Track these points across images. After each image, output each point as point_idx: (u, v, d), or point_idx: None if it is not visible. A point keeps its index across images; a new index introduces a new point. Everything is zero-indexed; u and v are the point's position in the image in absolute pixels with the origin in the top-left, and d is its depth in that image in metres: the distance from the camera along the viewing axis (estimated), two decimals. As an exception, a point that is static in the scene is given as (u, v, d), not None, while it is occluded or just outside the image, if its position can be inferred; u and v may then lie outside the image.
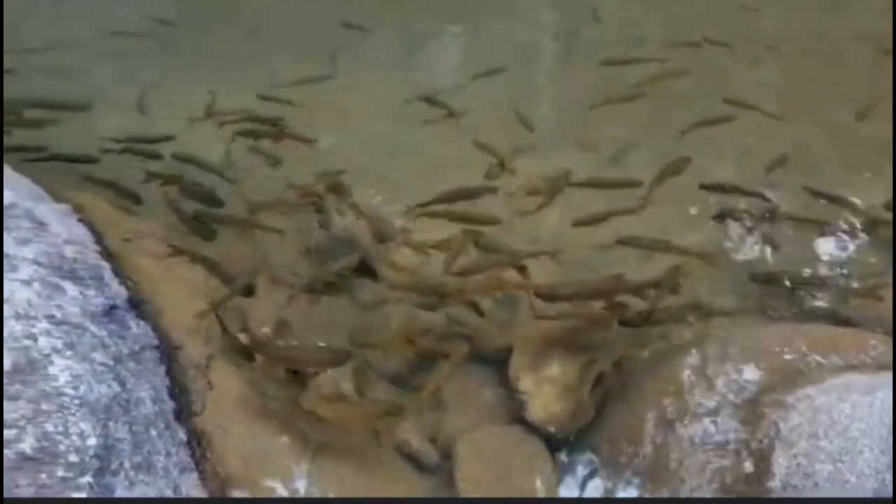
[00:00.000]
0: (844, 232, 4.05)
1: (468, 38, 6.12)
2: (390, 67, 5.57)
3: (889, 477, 2.48)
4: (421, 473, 3.06)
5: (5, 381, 2.25)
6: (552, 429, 3.15)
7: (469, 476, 2.98)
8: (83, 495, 2.15)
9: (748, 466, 2.71)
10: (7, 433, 2.14)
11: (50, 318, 2.54)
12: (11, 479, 2.07)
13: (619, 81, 5.11)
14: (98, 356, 2.56)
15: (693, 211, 4.16)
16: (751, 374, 2.99)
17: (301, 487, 2.75)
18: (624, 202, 4.04)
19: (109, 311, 2.82)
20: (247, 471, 2.68)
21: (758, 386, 2.94)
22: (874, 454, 2.54)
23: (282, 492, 2.73)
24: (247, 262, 3.60)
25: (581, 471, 3.07)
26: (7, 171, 3.36)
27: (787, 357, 3.04)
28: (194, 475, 2.59)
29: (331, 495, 2.77)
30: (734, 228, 4.10)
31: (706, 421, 2.90)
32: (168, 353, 2.89)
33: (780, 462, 2.62)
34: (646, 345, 3.36)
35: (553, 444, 3.13)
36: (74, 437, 2.23)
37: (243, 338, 3.11)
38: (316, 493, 2.76)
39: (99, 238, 3.25)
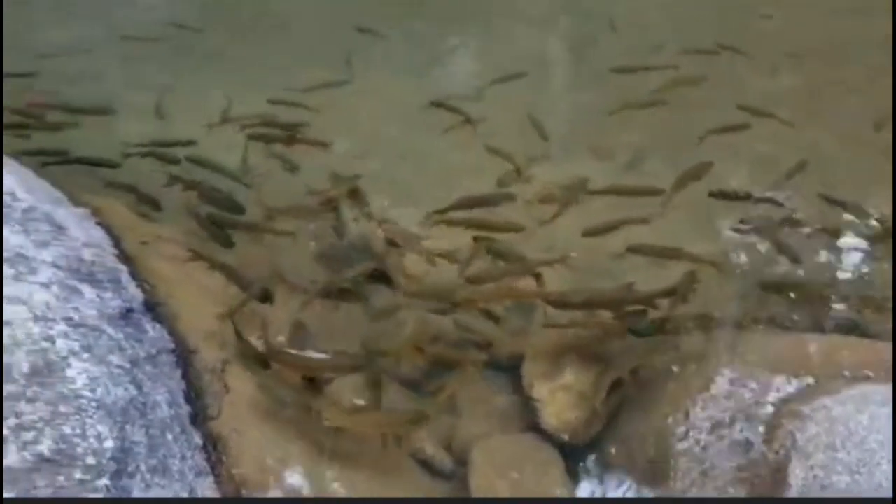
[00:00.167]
0: (859, 241, 4.02)
1: (483, 45, 6.12)
2: (405, 73, 5.57)
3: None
4: (435, 480, 3.06)
5: (23, 383, 2.27)
6: (566, 437, 3.14)
7: (483, 483, 2.97)
8: (100, 497, 2.16)
9: (764, 477, 2.69)
10: (25, 435, 2.15)
11: (68, 320, 2.56)
12: (30, 480, 2.08)
13: (636, 88, 5.10)
14: (115, 359, 2.57)
15: (705, 218, 4.14)
16: (766, 384, 2.98)
17: (316, 492, 2.75)
18: (637, 210, 4.02)
19: (126, 314, 2.83)
20: (262, 475, 2.69)
21: (773, 396, 2.92)
22: (892, 466, 2.52)
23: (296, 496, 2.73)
24: (263, 267, 3.60)
25: (595, 479, 3.06)
26: (27, 174, 3.39)
27: (803, 367, 3.02)
28: (210, 479, 2.59)
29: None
30: (747, 236, 4.07)
31: (721, 431, 2.88)
32: (184, 356, 2.91)
33: (797, 473, 2.60)
34: (659, 353, 3.33)
35: (567, 451, 3.12)
36: (92, 440, 2.24)
37: (259, 345, 3.10)
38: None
39: (117, 241, 3.27)
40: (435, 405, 3.16)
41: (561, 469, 3.07)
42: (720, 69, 5.33)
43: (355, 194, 4.09)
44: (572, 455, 3.12)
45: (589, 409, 3.17)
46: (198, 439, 2.67)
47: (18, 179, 3.16)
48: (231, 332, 3.14)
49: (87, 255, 2.97)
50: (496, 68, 5.41)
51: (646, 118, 4.88)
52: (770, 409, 2.86)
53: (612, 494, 2.98)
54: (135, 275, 3.11)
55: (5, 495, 2.03)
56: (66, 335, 2.49)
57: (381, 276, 3.61)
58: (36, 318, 2.46)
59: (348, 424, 2.92)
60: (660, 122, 4.85)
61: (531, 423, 3.21)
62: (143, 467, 2.33)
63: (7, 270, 2.58)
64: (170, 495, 2.39)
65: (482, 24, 6.27)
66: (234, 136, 4.64)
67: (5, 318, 2.40)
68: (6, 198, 2.96)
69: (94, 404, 2.33)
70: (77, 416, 2.27)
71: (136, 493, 2.27)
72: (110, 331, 2.67)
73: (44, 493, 2.09)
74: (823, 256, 3.99)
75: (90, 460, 2.19)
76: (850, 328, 3.45)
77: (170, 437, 2.54)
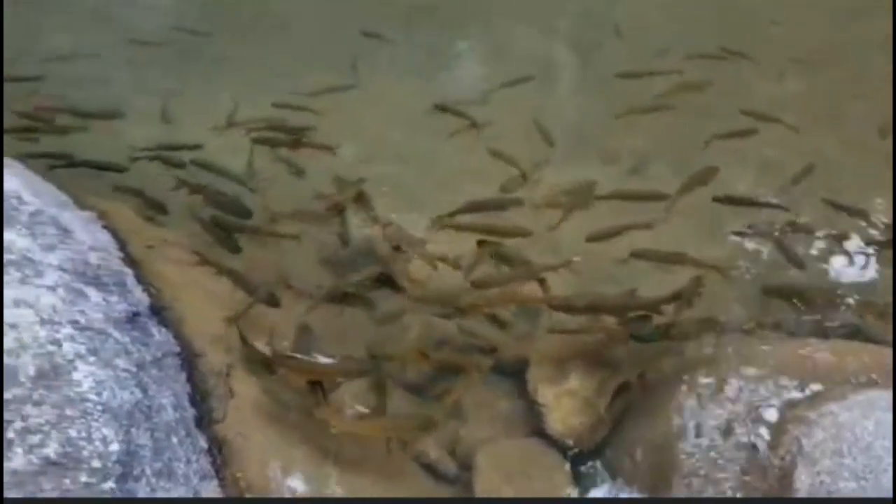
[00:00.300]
0: (863, 246, 4.02)
1: (488, 49, 6.11)
2: (411, 77, 5.56)
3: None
4: (439, 484, 3.05)
5: (30, 386, 2.27)
6: (571, 442, 3.14)
7: (488, 488, 2.97)
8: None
9: (770, 483, 2.68)
10: (31, 438, 2.15)
11: (74, 323, 2.57)
12: (36, 483, 2.09)
13: (641, 93, 5.09)
14: (121, 362, 2.58)
15: (710, 223, 4.13)
16: (771, 389, 2.97)
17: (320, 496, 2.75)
18: (642, 215, 4.02)
19: (132, 317, 2.84)
20: (267, 479, 2.69)
21: (779, 402, 2.92)
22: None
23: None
24: (269, 272, 3.60)
25: (600, 484, 3.05)
26: (34, 177, 3.40)
27: (808, 373, 3.02)
28: (214, 482, 2.60)
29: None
30: (751, 241, 4.07)
31: (726, 436, 2.88)
32: (189, 360, 2.91)
33: (803, 479, 2.59)
34: (664, 359, 3.33)
35: (572, 457, 3.12)
36: (97, 443, 2.24)
37: (265, 349, 3.10)
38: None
39: (122, 245, 3.28)
40: (439, 410, 3.16)
41: (566, 474, 3.07)
42: (726, 74, 5.32)
43: (360, 199, 4.10)
44: (577, 460, 3.12)
45: (594, 415, 3.18)
46: (203, 443, 2.68)
47: (25, 183, 3.17)
48: (236, 337, 3.14)
49: (93, 258, 2.98)
50: (502, 72, 5.41)
51: (651, 123, 4.87)
52: (776, 414, 2.86)
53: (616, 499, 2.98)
54: (140, 278, 3.12)
55: (5, 495, 2.03)
56: (72, 338, 2.49)
57: (386, 281, 3.61)
58: (42, 322, 2.47)
59: (356, 430, 2.92)
60: (665, 127, 4.85)
61: (536, 427, 3.21)
62: (148, 471, 2.33)
63: (14, 273, 2.59)
64: (175, 499, 2.40)
65: (487, 28, 6.27)
66: (241, 140, 4.63)
67: (13, 321, 2.41)
68: (13, 201, 2.97)
69: (99, 407, 2.34)
70: (83, 420, 2.28)
71: (141, 496, 2.27)
72: (116, 334, 2.68)
73: (49, 496, 2.09)
74: (828, 262, 3.98)
75: (96, 463, 2.20)
76: (854, 334, 3.45)
77: (175, 440, 2.55)
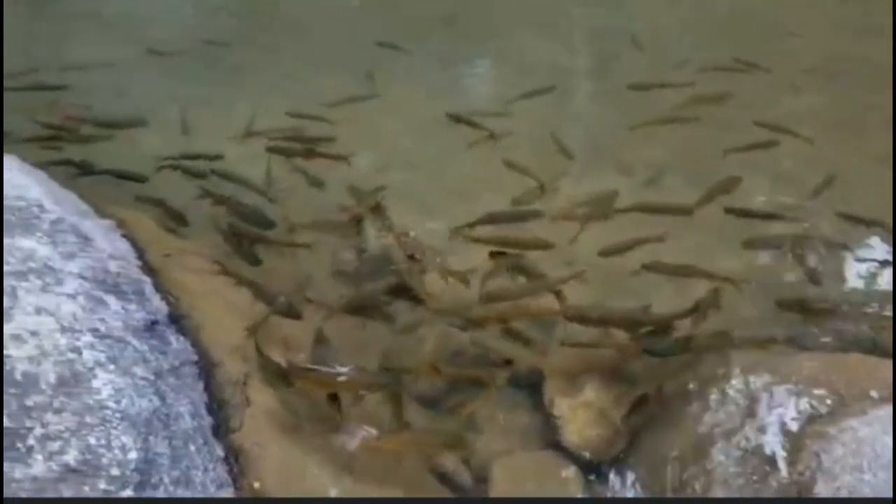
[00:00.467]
0: (880, 258, 3.98)
1: (506, 61, 6.13)
2: (427, 87, 5.59)
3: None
4: (454, 495, 3.04)
5: (50, 393, 2.29)
6: (587, 454, 3.12)
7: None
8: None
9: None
10: (52, 445, 2.17)
11: (94, 331, 2.58)
12: (56, 490, 2.10)
13: (659, 105, 5.10)
14: (139, 370, 2.58)
15: (724, 236, 4.11)
16: (790, 403, 2.94)
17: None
18: (660, 227, 4.01)
19: (151, 325, 2.85)
20: (283, 488, 2.69)
21: (797, 416, 2.89)
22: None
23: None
24: (288, 282, 3.60)
25: (616, 497, 3.03)
26: (54, 186, 3.43)
27: (827, 387, 2.98)
28: (231, 491, 2.60)
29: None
30: (765, 254, 4.05)
31: (744, 451, 2.85)
32: (207, 368, 2.92)
33: (823, 496, 2.57)
34: (681, 372, 3.31)
35: (588, 469, 3.10)
36: (116, 451, 2.25)
37: (282, 360, 3.11)
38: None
39: (141, 253, 3.30)
40: (455, 422, 3.15)
41: (581, 487, 3.05)
42: (742, 85, 5.32)
43: (377, 209, 4.11)
44: (593, 473, 3.10)
45: (611, 427, 3.16)
46: (220, 451, 2.68)
47: (46, 191, 3.19)
48: (253, 347, 3.15)
49: (113, 266, 2.99)
50: (519, 85, 5.42)
51: (667, 135, 4.87)
52: (794, 429, 2.83)
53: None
54: (159, 287, 3.13)
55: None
56: (92, 346, 2.51)
57: (403, 292, 3.61)
58: (63, 330, 2.48)
59: (380, 444, 2.92)
60: (680, 139, 4.85)
61: (552, 440, 3.20)
62: (166, 479, 2.34)
63: (35, 281, 2.61)
64: (191, 507, 2.40)
65: (504, 40, 6.28)
66: (259, 149, 4.66)
67: (34, 328, 2.42)
68: (34, 209, 2.99)
69: (118, 415, 2.35)
70: (102, 427, 2.28)
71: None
72: (135, 342, 2.69)
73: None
74: (843, 274, 3.95)
75: (115, 471, 2.20)
76: (871, 348, 3.41)
77: (192, 448, 2.55)
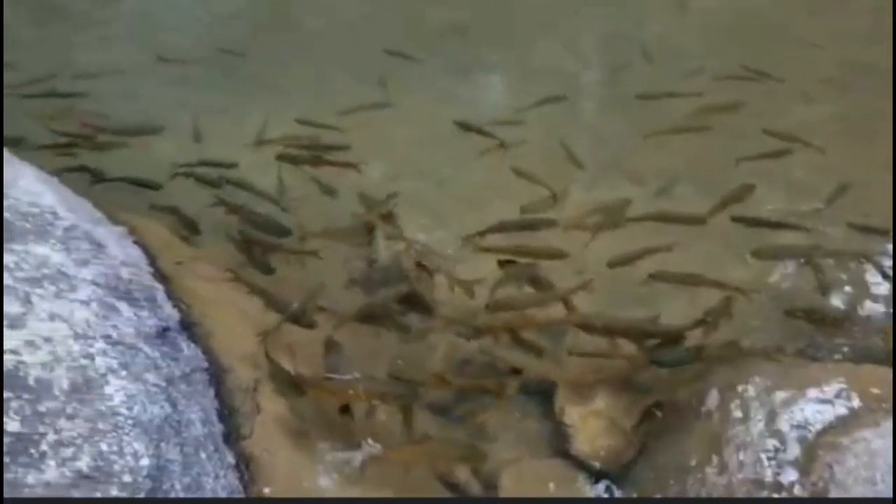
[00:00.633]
0: (890, 267, 3.95)
1: (516, 70, 6.13)
2: (439, 96, 5.59)
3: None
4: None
5: (64, 399, 2.30)
6: (598, 463, 3.12)
7: (513, 509, 2.96)
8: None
9: (801, 510, 2.64)
10: (65, 451, 2.17)
11: (106, 338, 2.59)
12: (68, 496, 2.10)
13: (671, 114, 5.10)
14: (151, 377, 2.59)
15: (734, 244, 4.10)
16: (802, 414, 2.93)
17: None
18: (669, 237, 4.00)
19: (162, 332, 2.87)
20: (292, 496, 2.70)
21: (810, 427, 2.87)
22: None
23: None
24: (300, 290, 3.60)
25: (616, 497, 3.02)
26: (67, 192, 3.45)
27: (839, 398, 2.97)
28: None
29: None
30: (775, 263, 4.03)
31: (755, 461, 2.84)
32: (217, 375, 2.93)
33: (834, 507, 2.56)
34: (692, 382, 3.30)
35: (598, 478, 3.10)
36: (128, 458, 2.25)
37: (293, 368, 3.11)
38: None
39: (153, 260, 3.32)
40: (466, 431, 3.15)
41: (591, 495, 3.04)
42: (754, 95, 5.31)
43: (389, 218, 4.12)
44: (603, 482, 3.09)
45: (622, 437, 3.15)
46: (230, 458, 2.69)
47: (60, 199, 3.21)
48: (264, 354, 3.16)
49: (125, 273, 3.01)
50: (530, 94, 5.42)
51: (677, 144, 4.87)
52: (807, 440, 2.82)
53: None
54: (170, 294, 3.15)
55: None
56: (104, 353, 2.51)
57: (414, 300, 3.61)
58: (76, 336, 2.49)
59: (394, 456, 2.92)
60: (691, 149, 4.84)
61: (562, 448, 3.19)
62: (177, 486, 2.35)
63: (49, 288, 2.63)
64: (203, 514, 2.41)
65: (516, 49, 6.28)
66: (273, 158, 4.67)
67: (48, 334, 2.44)
68: (48, 216, 3.00)
69: (130, 422, 2.35)
70: (114, 434, 2.29)
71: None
72: (147, 349, 2.70)
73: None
74: (853, 284, 3.93)
75: (127, 478, 2.21)
76: (883, 358, 3.39)
77: (203, 455, 2.56)
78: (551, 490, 3.07)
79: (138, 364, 2.60)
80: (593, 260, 3.95)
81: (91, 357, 2.46)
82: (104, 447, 2.24)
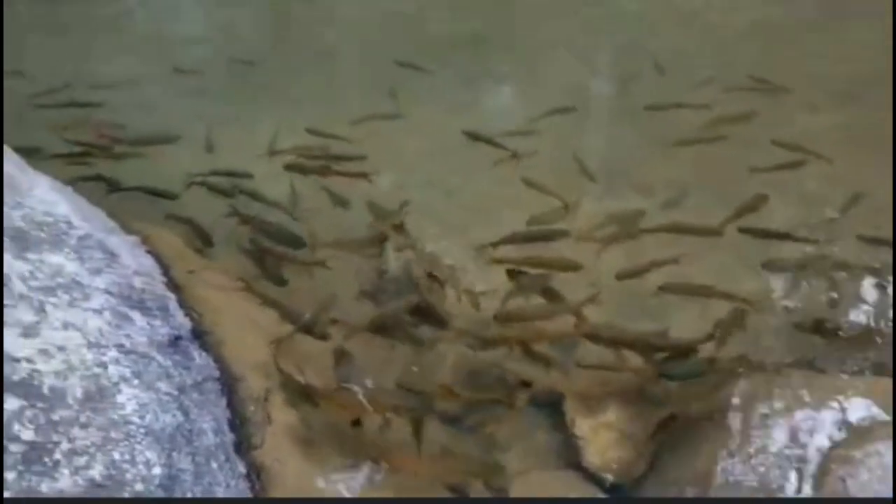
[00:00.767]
0: None
1: (527, 81, 6.16)
2: (449, 107, 5.61)
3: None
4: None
5: (77, 408, 2.31)
6: (609, 476, 3.10)
7: (523, 521, 2.95)
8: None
9: (813, 523, 2.63)
10: (78, 460, 2.18)
11: (119, 346, 2.60)
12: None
13: (681, 125, 5.10)
14: (163, 386, 2.60)
15: (743, 256, 4.09)
16: (815, 427, 2.91)
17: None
18: (680, 248, 4.00)
19: (174, 341, 2.87)
20: (301, 503, 2.71)
21: (822, 440, 2.86)
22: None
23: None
24: (311, 301, 3.62)
25: (616, 497, 3.01)
26: (81, 202, 3.48)
27: (851, 410, 2.95)
28: (253, 508, 2.61)
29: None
30: (785, 276, 4.01)
31: (767, 474, 2.83)
32: (229, 384, 2.94)
33: (849, 521, 2.54)
34: (704, 395, 3.28)
35: (609, 491, 3.08)
36: (141, 466, 2.26)
37: (303, 379, 3.11)
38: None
39: (165, 270, 3.34)
40: (477, 442, 3.14)
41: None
42: (765, 106, 5.31)
43: (400, 228, 4.13)
44: (615, 495, 3.08)
45: (633, 449, 3.13)
46: (241, 468, 2.69)
47: (74, 208, 3.23)
48: (275, 365, 3.16)
49: (138, 282, 3.02)
50: (540, 105, 5.43)
51: (687, 155, 4.87)
52: (820, 453, 2.80)
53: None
54: (182, 303, 3.16)
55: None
56: (117, 361, 2.52)
57: (425, 311, 3.62)
58: (90, 345, 2.51)
59: (417, 469, 2.91)
60: (701, 160, 4.84)
61: (573, 460, 3.18)
62: (189, 495, 2.34)
63: (63, 297, 2.65)
64: (214, 524, 2.41)
65: (526, 60, 6.31)
66: (285, 168, 4.70)
67: (61, 343, 2.45)
68: (62, 225, 3.02)
69: (142, 430, 2.36)
70: (127, 442, 2.29)
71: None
72: (159, 358, 2.71)
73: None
74: (863, 296, 3.91)
75: (139, 487, 2.21)
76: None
77: (215, 465, 2.56)
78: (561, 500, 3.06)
79: (151, 373, 2.60)
80: (606, 271, 3.94)
81: (104, 366, 2.47)
82: (117, 456, 2.24)
